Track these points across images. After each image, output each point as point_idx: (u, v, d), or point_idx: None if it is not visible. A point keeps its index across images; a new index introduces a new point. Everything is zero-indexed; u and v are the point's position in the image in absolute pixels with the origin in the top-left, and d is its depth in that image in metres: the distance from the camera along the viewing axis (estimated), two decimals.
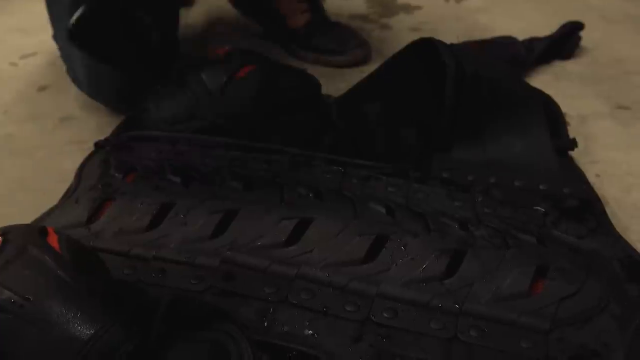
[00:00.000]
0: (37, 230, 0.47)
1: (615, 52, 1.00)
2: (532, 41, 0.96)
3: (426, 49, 0.74)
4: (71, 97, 0.90)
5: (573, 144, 0.71)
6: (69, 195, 0.65)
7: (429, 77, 0.74)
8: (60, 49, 0.87)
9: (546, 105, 0.73)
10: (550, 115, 0.72)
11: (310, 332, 0.48)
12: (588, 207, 0.61)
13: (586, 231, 0.58)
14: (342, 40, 0.98)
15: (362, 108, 0.73)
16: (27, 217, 0.66)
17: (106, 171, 0.65)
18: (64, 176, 0.74)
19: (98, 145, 0.72)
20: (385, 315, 0.49)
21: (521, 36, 0.98)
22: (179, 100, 0.75)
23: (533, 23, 1.10)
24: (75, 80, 0.86)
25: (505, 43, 0.94)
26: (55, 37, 0.89)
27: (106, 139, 0.73)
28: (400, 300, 0.50)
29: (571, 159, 0.71)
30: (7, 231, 0.46)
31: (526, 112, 0.70)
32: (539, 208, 0.61)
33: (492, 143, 0.70)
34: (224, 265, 0.53)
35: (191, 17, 1.15)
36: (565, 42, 0.97)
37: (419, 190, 0.63)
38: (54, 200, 0.69)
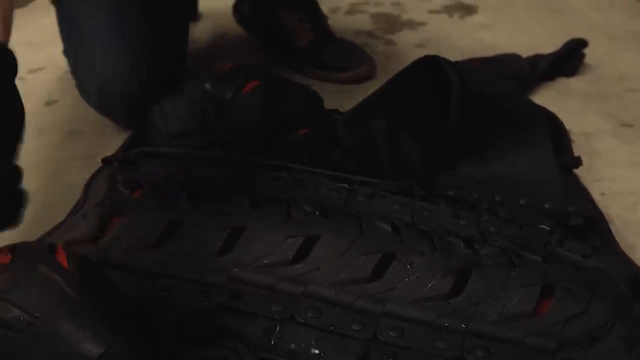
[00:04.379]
0: (46, 247, 0.48)
1: (619, 70, 1.01)
2: (536, 58, 0.96)
3: (431, 66, 0.75)
4: (79, 112, 0.90)
5: (578, 161, 0.72)
6: (76, 210, 0.65)
7: (434, 94, 0.75)
8: (70, 64, 0.88)
9: (550, 122, 0.74)
10: (554, 132, 0.73)
11: (317, 351, 0.48)
12: (593, 225, 0.61)
13: (591, 250, 0.58)
14: (347, 56, 0.99)
15: (368, 124, 0.73)
16: (33, 231, 0.66)
17: (113, 187, 0.65)
18: (71, 191, 0.74)
19: (105, 161, 0.72)
20: (391, 334, 0.49)
21: (525, 52, 0.99)
22: (186, 115, 0.76)
23: (537, 39, 1.10)
24: (84, 95, 0.87)
25: (509, 60, 0.94)
26: (66, 52, 0.90)
27: (113, 155, 0.73)
28: (406, 319, 0.50)
29: (576, 177, 0.71)
30: (16, 248, 0.47)
31: (530, 129, 0.71)
32: (544, 226, 0.61)
33: (496, 160, 0.70)
34: (230, 282, 0.53)
35: (196, 32, 1.16)
36: (569, 59, 0.97)
37: (424, 208, 0.63)
38: (60, 215, 0.69)
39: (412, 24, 1.20)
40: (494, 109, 0.71)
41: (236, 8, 1.10)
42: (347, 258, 0.54)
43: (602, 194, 0.71)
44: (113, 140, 0.86)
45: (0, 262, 0.44)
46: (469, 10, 1.26)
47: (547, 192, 0.65)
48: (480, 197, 0.65)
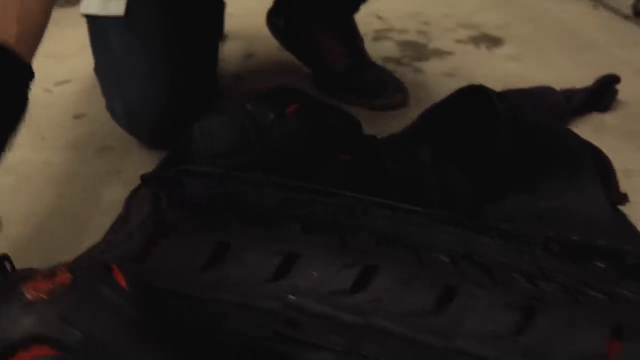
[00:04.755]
0: (105, 267, 0.46)
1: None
2: (570, 92, 0.96)
3: (472, 96, 0.74)
4: (107, 127, 0.89)
5: (624, 198, 0.71)
6: (117, 227, 0.63)
7: (476, 124, 0.74)
8: (101, 85, 0.87)
9: (595, 156, 0.73)
10: (600, 167, 0.72)
11: None
12: None
13: None
14: (381, 83, 0.98)
15: (414, 153, 0.72)
16: (67, 247, 0.65)
17: (157, 206, 0.63)
18: (104, 206, 0.73)
19: (144, 178, 0.70)
20: None
21: (555, 86, 0.98)
22: (227, 134, 0.74)
23: (566, 73, 1.10)
24: (113, 115, 0.86)
25: (544, 92, 0.94)
26: (96, 69, 0.88)
27: (153, 173, 0.72)
28: (474, 356, 0.48)
29: (623, 214, 0.70)
30: (75, 269, 0.45)
31: (579, 163, 0.70)
32: (599, 264, 0.59)
33: (544, 194, 0.69)
34: (287, 310, 0.51)
35: (224, 52, 1.15)
36: (602, 94, 0.97)
37: (476, 239, 0.61)
38: (93, 230, 0.68)
39: (439, 53, 1.20)
40: (542, 141, 0.70)
41: (270, 17, 1.07)
42: (409, 290, 0.52)
43: None
44: (143, 157, 0.84)
45: (61, 282, 0.42)
46: (495, 42, 1.27)
47: (600, 228, 0.64)
48: (531, 232, 0.64)
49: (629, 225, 0.68)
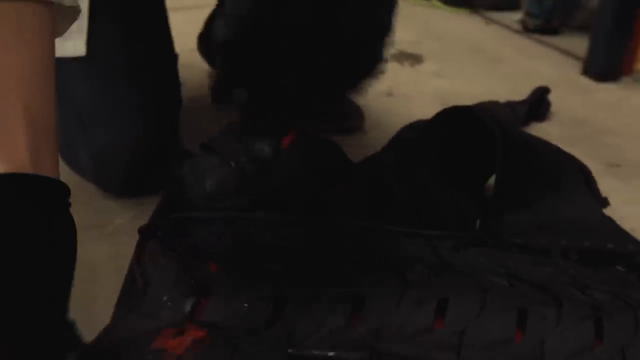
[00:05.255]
0: None
1: (573, 114, 1.10)
2: (511, 104, 1.03)
3: (457, 117, 0.76)
4: (73, 181, 0.79)
5: (606, 202, 0.76)
6: (141, 293, 0.56)
7: (466, 144, 0.77)
8: (62, 135, 0.77)
9: (577, 166, 0.78)
10: (583, 176, 0.77)
11: None
12: None
13: None
14: (338, 107, 0.98)
15: (416, 177, 0.72)
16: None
17: (183, 262, 0.57)
18: (92, 266, 0.65)
19: (142, 231, 0.64)
20: None
21: (483, 100, 1.04)
22: (223, 174, 0.70)
23: (489, 88, 1.18)
24: (76, 166, 0.77)
25: (494, 107, 0.99)
26: (59, 119, 0.79)
27: (151, 225, 0.65)
28: None
29: (610, 217, 0.76)
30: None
31: (568, 174, 0.74)
32: (619, 267, 0.64)
33: (541, 207, 0.73)
34: (375, 357, 0.49)
35: None
36: (539, 105, 1.05)
37: (508, 258, 0.63)
38: (84, 293, 0.60)
39: None
40: (533, 157, 0.74)
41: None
42: (485, 318, 0.52)
43: (632, 230, 0.76)
44: (118, 206, 0.77)
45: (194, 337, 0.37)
46: (417, 59, 1.32)
47: (603, 233, 0.69)
48: (547, 243, 0.67)
49: (618, 227, 0.74)
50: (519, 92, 1.07)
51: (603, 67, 1.24)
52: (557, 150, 0.79)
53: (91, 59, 0.73)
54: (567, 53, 1.39)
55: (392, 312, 0.52)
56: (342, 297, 0.53)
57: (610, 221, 0.74)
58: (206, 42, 1.03)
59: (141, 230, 0.64)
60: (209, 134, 0.75)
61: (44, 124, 0.39)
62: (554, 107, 1.09)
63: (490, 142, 0.73)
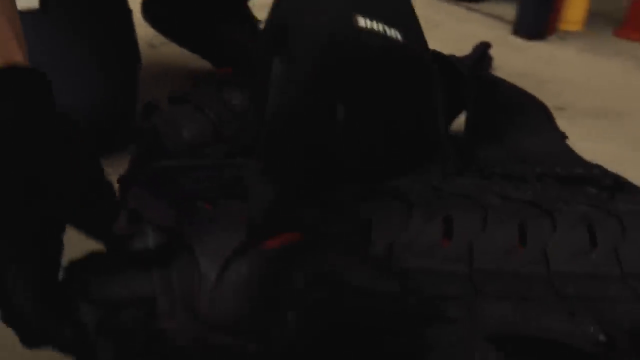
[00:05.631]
0: None
1: (513, 68, 1.16)
2: (457, 59, 1.06)
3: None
4: None
5: (565, 135, 0.81)
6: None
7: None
8: None
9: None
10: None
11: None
12: (621, 183, 0.70)
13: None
14: None
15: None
16: None
17: (175, 202, 0.55)
18: None
19: (124, 180, 0.60)
20: (570, 289, 0.50)
21: None
22: (200, 122, 0.67)
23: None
24: None
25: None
26: None
27: (133, 173, 0.62)
28: (569, 274, 0.51)
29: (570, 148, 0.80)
30: None
31: (532, 111, 0.78)
32: (590, 188, 0.67)
33: (511, 141, 0.76)
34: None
35: None
36: (482, 59, 1.09)
37: (492, 184, 0.65)
38: None
39: None
40: (502, 95, 0.77)
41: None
42: (489, 232, 0.54)
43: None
44: None
45: None
46: None
47: (571, 161, 0.73)
48: (523, 170, 0.69)
49: (580, 157, 0.78)
50: (461, 52, 1.10)
51: (532, 28, 1.31)
52: (521, 90, 0.82)
53: (45, 13, 0.68)
54: (494, 17, 1.45)
55: (401, 230, 0.52)
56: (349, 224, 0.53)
57: (572, 152, 0.78)
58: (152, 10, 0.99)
59: (121, 180, 0.61)
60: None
61: (21, 37, 0.46)
62: (494, 63, 1.14)
63: (457, 82, 0.75)
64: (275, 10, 0.65)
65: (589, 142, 0.87)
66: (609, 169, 0.69)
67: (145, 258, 0.36)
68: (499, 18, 1.43)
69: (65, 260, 0.42)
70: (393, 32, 0.63)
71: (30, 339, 0.33)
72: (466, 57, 1.07)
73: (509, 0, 1.45)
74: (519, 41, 1.30)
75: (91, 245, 0.52)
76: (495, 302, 0.48)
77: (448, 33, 1.33)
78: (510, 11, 1.40)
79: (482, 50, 1.09)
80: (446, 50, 1.15)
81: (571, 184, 0.68)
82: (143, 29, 0.99)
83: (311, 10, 0.64)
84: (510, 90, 0.79)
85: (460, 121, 0.79)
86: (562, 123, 0.92)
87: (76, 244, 0.54)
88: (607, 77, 1.15)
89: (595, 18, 1.39)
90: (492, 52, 1.14)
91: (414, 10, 0.69)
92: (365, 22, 0.62)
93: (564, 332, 0.46)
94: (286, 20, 0.63)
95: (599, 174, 0.70)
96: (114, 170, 0.69)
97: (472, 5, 1.53)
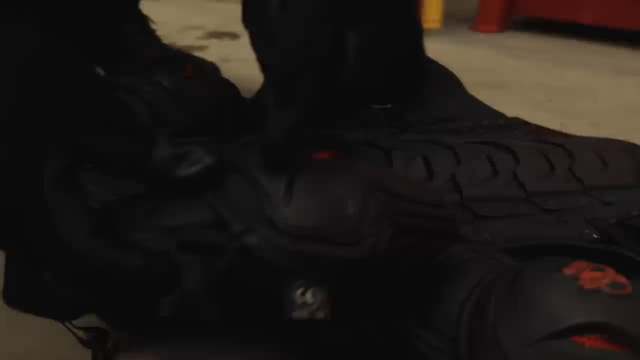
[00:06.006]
0: None
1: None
2: None
3: None
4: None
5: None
6: None
7: None
8: None
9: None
10: None
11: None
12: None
13: None
14: None
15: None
16: None
17: None
18: None
19: None
20: (550, 202, 0.53)
21: None
22: (135, 106, 0.62)
23: None
24: None
25: None
26: None
27: None
28: (545, 192, 0.55)
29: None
30: None
31: (446, 78, 0.82)
32: (517, 133, 0.73)
33: (433, 105, 0.79)
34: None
35: None
36: None
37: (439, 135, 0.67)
38: None
39: (199, 48, 1.19)
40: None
41: None
42: (465, 165, 0.55)
43: None
44: None
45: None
46: (232, 36, 1.32)
47: (491, 115, 0.78)
48: (456, 126, 0.73)
49: (498, 111, 0.83)
50: None
51: None
52: (430, 59, 0.87)
53: None
54: None
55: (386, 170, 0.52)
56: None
57: (489, 107, 0.83)
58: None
59: None
60: None
61: None
62: None
63: None
64: None
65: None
66: None
67: (197, 182, 0.32)
68: None
69: None
70: None
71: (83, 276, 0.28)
72: None
73: None
74: None
75: None
76: (497, 222, 0.49)
77: None
78: None
79: None
80: None
81: (500, 129, 0.73)
82: None
83: None
84: (431, 62, 0.83)
85: None
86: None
87: None
88: (478, 60, 1.25)
89: (450, 19, 1.52)
90: None
91: None
92: None
93: (564, 238, 0.49)
94: None
95: (517, 122, 0.76)
96: None
97: None
